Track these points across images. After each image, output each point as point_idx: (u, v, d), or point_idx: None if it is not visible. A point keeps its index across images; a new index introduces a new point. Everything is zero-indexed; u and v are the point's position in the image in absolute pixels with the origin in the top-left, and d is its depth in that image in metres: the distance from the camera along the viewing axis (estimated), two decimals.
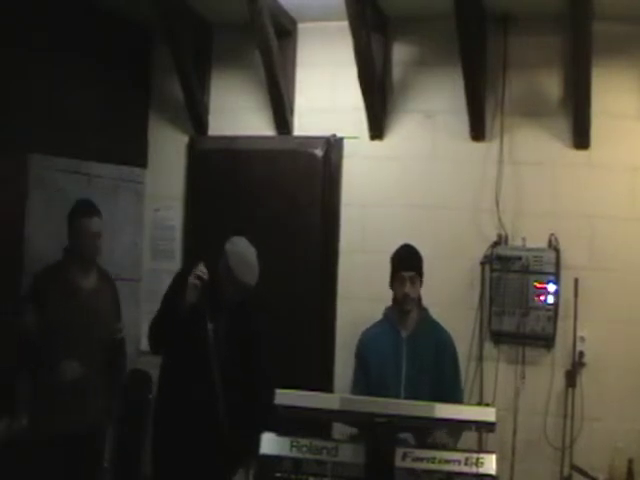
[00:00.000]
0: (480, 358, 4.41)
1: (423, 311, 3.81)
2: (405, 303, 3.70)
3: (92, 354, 3.80)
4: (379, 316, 3.86)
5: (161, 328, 3.67)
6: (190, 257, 4.36)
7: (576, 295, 4.24)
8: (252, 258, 3.62)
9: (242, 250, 3.63)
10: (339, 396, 2.90)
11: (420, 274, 3.74)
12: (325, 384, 4.51)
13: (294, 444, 2.70)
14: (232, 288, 3.58)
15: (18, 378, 3.71)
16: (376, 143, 4.70)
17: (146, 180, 5.07)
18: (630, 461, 3.78)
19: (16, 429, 3.60)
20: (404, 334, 3.73)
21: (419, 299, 3.78)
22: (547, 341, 4.32)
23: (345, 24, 4.25)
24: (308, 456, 2.69)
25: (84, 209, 3.88)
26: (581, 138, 4.33)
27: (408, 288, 3.67)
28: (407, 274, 3.68)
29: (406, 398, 3.54)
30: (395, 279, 3.72)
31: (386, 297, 3.79)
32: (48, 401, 3.69)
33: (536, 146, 4.43)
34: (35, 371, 3.70)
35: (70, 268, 3.86)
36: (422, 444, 3.10)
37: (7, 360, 3.71)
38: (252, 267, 3.60)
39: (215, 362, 3.58)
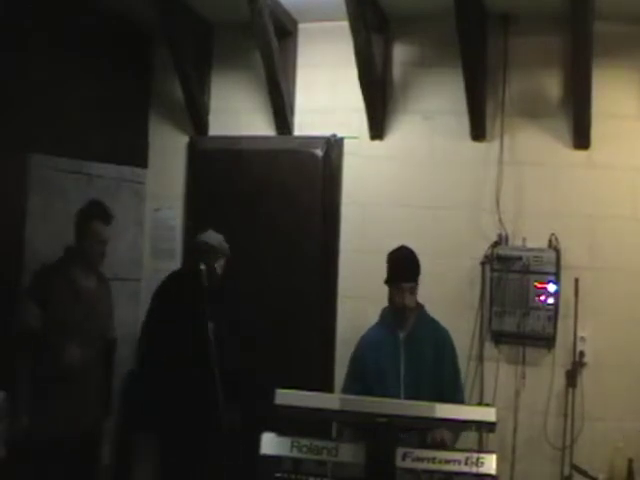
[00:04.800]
0: (480, 358, 4.41)
1: (420, 309, 3.80)
2: (404, 312, 3.69)
3: (89, 352, 3.78)
4: (379, 316, 3.86)
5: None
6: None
7: (576, 295, 4.24)
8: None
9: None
10: (339, 396, 2.91)
11: (418, 280, 3.72)
12: (325, 384, 4.51)
13: (294, 444, 2.71)
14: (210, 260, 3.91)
15: (19, 378, 3.70)
16: (376, 143, 4.69)
17: (146, 180, 5.07)
18: (630, 461, 3.77)
19: (16, 430, 3.58)
20: (401, 334, 3.72)
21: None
22: (547, 341, 4.32)
23: (345, 24, 4.25)
24: (308, 456, 2.69)
25: (99, 213, 3.87)
26: (581, 138, 4.33)
27: (408, 299, 3.65)
28: (407, 285, 3.66)
29: (406, 398, 3.54)
30: (393, 287, 3.69)
31: (386, 297, 3.79)
32: (46, 401, 3.67)
33: (536, 146, 4.43)
34: (34, 370, 3.68)
35: (71, 267, 3.86)
36: (422, 443, 3.11)
37: (7, 358, 3.69)
38: (216, 235, 4.08)
39: (215, 360, 3.62)
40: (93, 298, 3.89)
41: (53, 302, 3.73)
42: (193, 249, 4.14)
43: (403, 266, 3.71)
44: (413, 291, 3.67)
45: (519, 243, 4.37)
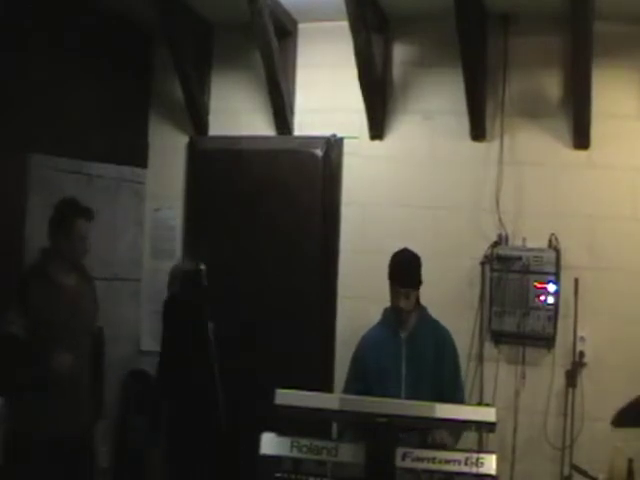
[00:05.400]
0: (480, 358, 4.41)
1: (422, 310, 3.80)
2: (399, 314, 3.70)
3: (78, 351, 3.71)
4: (379, 316, 3.86)
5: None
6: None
7: (576, 295, 4.24)
8: None
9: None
10: (339, 396, 2.91)
11: (417, 284, 3.72)
12: (325, 384, 4.51)
13: (294, 444, 2.70)
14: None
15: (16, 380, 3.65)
16: (376, 143, 4.69)
17: (146, 180, 5.07)
18: (630, 461, 3.76)
19: (15, 433, 3.55)
20: (403, 334, 3.73)
21: (417, 298, 3.77)
22: (547, 341, 4.32)
23: (345, 24, 4.25)
24: (308, 456, 2.69)
25: (82, 211, 3.76)
26: (581, 138, 4.33)
27: (402, 302, 3.66)
28: (402, 290, 3.66)
29: (407, 397, 3.54)
30: (391, 289, 3.70)
31: (386, 297, 3.78)
32: (34, 403, 3.58)
33: (536, 146, 4.43)
34: (24, 371, 3.61)
35: (50, 267, 3.73)
36: (422, 444, 3.10)
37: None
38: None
39: (215, 360, 3.63)
40: (75, 296, 3.77)
41: (35, 305, 3.60)
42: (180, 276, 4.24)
43: (400, 269, 3.71)
44: (408, 295, 3.67)
45: (519, 243, 4.37)
